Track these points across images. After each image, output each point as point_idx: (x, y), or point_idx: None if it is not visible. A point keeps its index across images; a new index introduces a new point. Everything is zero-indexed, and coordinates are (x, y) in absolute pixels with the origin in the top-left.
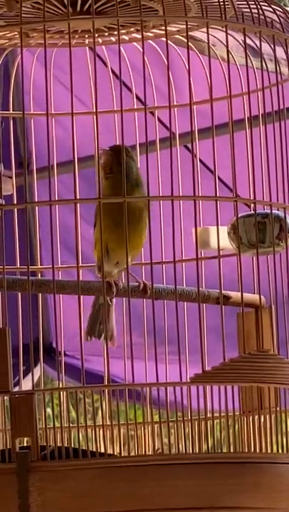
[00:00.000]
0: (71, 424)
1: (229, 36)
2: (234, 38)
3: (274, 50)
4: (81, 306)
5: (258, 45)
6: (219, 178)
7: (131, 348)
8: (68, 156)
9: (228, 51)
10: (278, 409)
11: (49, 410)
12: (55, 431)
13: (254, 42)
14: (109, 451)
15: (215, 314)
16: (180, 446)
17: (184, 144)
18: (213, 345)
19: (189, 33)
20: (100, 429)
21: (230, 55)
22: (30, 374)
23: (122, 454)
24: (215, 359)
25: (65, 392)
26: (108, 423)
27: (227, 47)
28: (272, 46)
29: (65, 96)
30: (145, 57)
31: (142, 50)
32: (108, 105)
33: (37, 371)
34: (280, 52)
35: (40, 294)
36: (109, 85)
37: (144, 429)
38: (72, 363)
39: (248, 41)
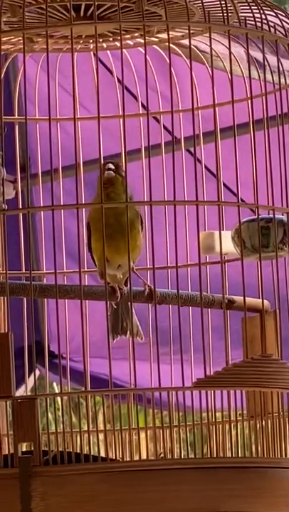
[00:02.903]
0: (68, 429)
1: (233, 48)
2: (240, 43)
3: (277, 54)
4: (83, 312)
5: (262, 56)
6: (223, 183)
7: (133, 350)
8: (73, 160)
9: (230, 56)
10: (281, 413)
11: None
12: (54, 436)
13: (258, 46)
14: (111, 455)
15: (220, 313)
16: (182, 450)
17: (188, 148)
18: (218, 344)
19: (196, 45)
20: (100, 434)
21: (237, 68)
22: (28, 378)
23: (125, 459)
24: (219, 357)
25: (66, 397)
26: (110, 428)
27: (230, 52)
28: (274, 49)
29: (70, 101)
30: (150, 64)
31: (145, 54)
32: (113, 110)
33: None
34: (285, 63)
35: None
36: (114, 90)
37: (146, 433)
38: (71, 366)
39: (254, 54)
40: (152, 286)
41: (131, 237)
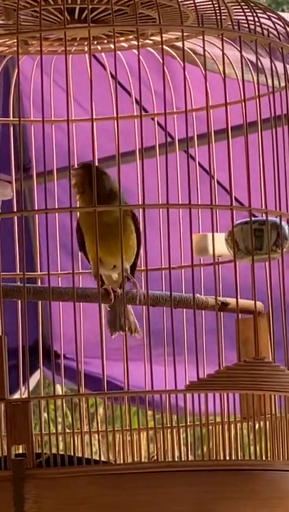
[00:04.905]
0: (66, 430)
1: (229, 51)
2: (233, 46)
3: (270, 57)
4: (76, 312)
5: (256, 59)
6: (218, 182)
7: (126, 352)
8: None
9: (224, 58)
10: (274, 416)
11: (45, 415)
12: (48, 437)
13: (252, 49)
14: (105, 456)
15: (214, 314)
16: (176, 452)
17: (184, 149)
18: (213, 345)
19: (191, 48)
20: (95, 435)
21: (232, 71)
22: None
23: (118, 461)
24: (214, 359)
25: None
26: (103, 429)
27: (223, 55)
28: (267, 51)
29: (66, 102)
30: (145, 65)
31: (140, 57)
32: (109, 111)
33: (34, 375)
34: (279, 65)
35: None
36: (110, 92)
37: (139, 435)
38: (71, 366)
39: (248, 56)
40: (143, 291)
41: (124, 238)
